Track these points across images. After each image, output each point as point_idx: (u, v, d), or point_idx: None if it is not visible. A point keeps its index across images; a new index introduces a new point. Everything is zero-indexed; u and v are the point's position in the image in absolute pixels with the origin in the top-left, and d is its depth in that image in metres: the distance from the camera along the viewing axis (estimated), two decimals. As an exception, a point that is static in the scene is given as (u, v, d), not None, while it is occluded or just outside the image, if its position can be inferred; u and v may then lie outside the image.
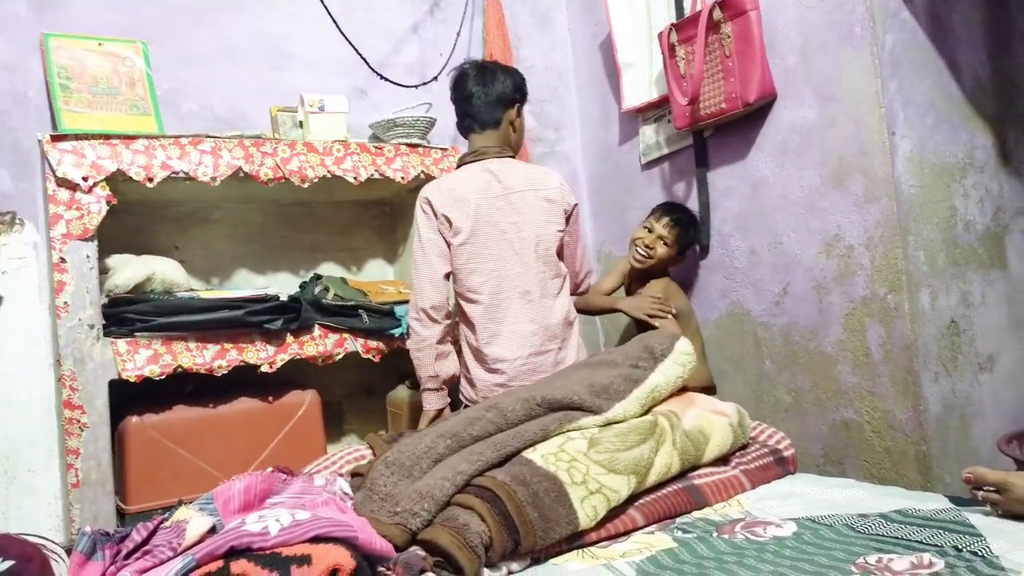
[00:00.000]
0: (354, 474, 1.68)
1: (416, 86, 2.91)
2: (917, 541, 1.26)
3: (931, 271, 2.12)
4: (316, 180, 2.38)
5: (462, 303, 2.23)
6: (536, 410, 1.64)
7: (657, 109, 2.86)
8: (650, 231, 2.54)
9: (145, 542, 1.22)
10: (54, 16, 2.38)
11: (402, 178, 2.52)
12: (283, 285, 2.67)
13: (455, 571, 1.26)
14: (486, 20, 3.05)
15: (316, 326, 2.38)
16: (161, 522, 1.28)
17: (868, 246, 2.15)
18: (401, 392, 2.68)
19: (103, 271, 2.20)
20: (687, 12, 2.60)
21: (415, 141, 2.63)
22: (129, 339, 2.12)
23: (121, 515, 2.12)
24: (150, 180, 2.15)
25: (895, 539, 1.29)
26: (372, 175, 2.47)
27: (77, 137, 2.09)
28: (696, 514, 1.57)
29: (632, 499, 1.54)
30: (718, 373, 2.60)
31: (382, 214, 2.96)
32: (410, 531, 1.35)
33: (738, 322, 2.56)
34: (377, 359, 2.49)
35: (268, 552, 1.11)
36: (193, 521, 1.22)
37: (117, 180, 2.13)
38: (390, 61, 2.93)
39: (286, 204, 2.76)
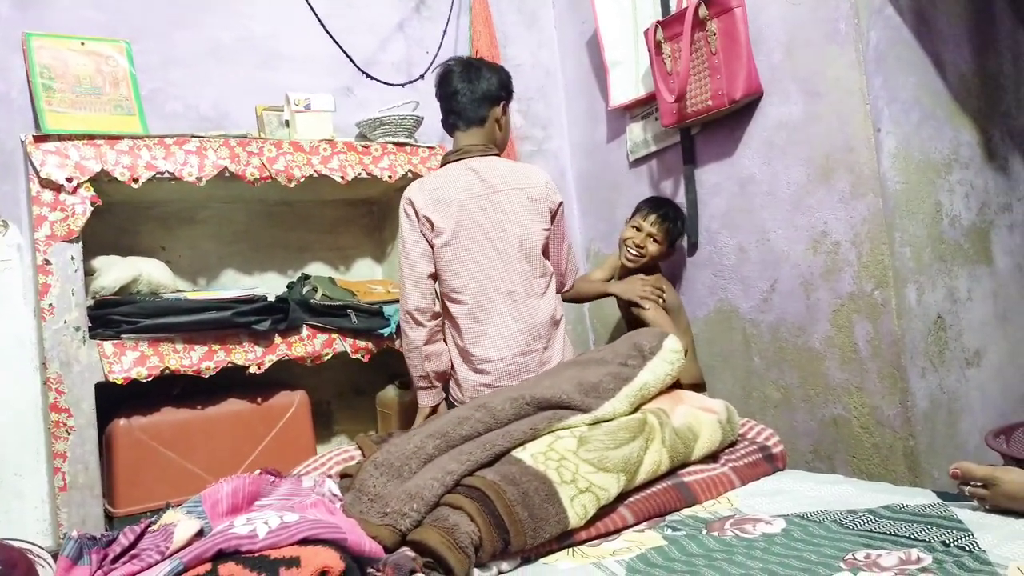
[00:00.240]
0: (343, 475, 1.67)
1: (403, 84, 2.90)
2: (905, 537, 1.27)
3: (917, 267, 2.13)
4: (303, 179, 2.37)
5: (447, 303, 2.21)
6: (525, 409, 1.64)
7: (644, 107, 2.86)
8: (639, 230, 2.54)
9: (132, 546, 1.21)
10: (37, 15, 2.36)
11: (389, 177, 2.52)
12: (271, 285, 2.66)
13: (445, 571, 1.26)
14: (473, 18, 3.04)
15: (304, 326, 2.38)
16: (148, 525, 1.27)
17: (855, 242, 2.15)
18: (391, 392, 2.67)
19: (88, 273, 2.19)
20: (673, 9, 2.60)
21: (402, 140, 2.62)
22: (116, 341, 2.10)
23: (109, 518, 2.11)
24: (135, 180, 2.14)
25: (883, 535, 1.29)
26: (359, 174, 2.47)
27: (60, 138, 2.08)
28: (686, 512, 1.57)
29: (622, 497, 1.54)
30: (707, 370, 2.61)
31: (370, 213, 2.95)
32: (400, 532, 1.34)
33: (726, 319, 2.57)
34: (366, 359, 2.49)
35: (256, 555, 1.10)
36: (181, 524, 1.21)
37: (101, 181, 2.12)
38: (376, 59, 2.92)
39: (273, 204, 2.75)
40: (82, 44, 2.31)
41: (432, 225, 2.15)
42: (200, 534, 1.21)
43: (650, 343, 1.87)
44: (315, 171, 2.39)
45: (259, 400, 2.32)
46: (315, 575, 1.08)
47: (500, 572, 1.36)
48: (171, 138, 2.21)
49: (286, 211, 2.79)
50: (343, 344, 2.42)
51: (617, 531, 1.50)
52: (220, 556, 1.10)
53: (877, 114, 2.10)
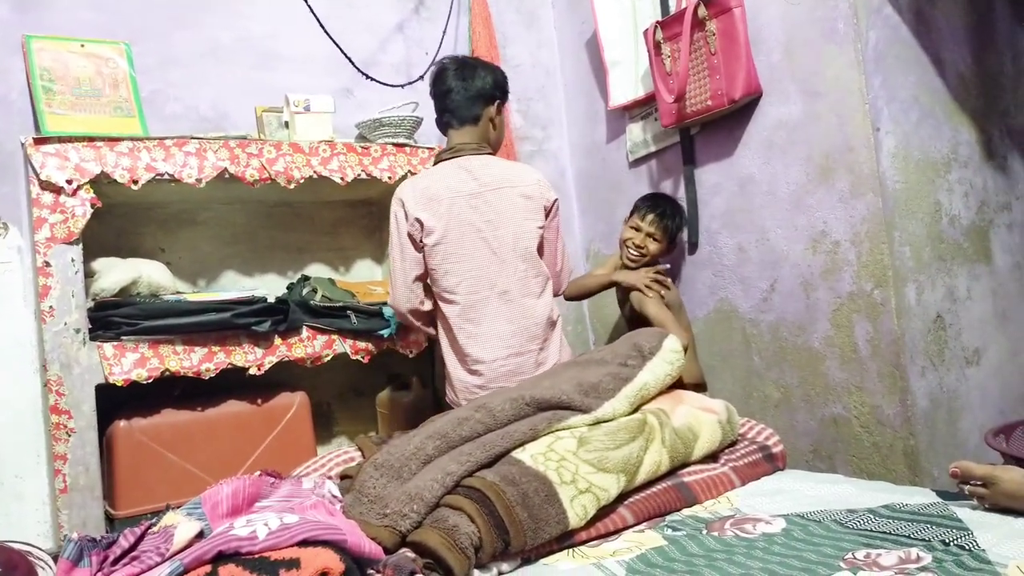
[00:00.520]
0: (343, 476, 1.67)
1: (402, 85, 2.90)
2: (905, 536, 1.27)
3: (917, 266, 2.13)
4: (302, 181, 2.37)
5: (440, 303, 2.20)
6: (525, 410, 1.64)
7: (644, 107, 2.86)
8: (638, 230, 2.54)
9: (133, 548, 1.22)
10: (37, 17, 2.36)
11: (389, 178, 2.52)
12: (270, 287, 2.66)
13: (445, 572, 1.26)
14: (472, 18, 3.04)
15: (304, 328, 2.38)
16: (149, 527, 1.27)
17: (854, 242, 2.15)
18: (391, 393, 2.67)
19: (88, 275, 2.19)
20: (672, 9, 2.60)
21: (402, 141, 2.62)
22: (116, 343, 2.10)
23: (110, 520, 2.11)
24: (135, 182, 2.14)
25: (883, 534, 1.29)
26: (359, 175, 2.47)
27: (60, 140, 2.08)
28: (686, 512, 1.57)
29: (622, 498, 1.54)
30: (707, 369, 2.61)
31: (369, 214, 2.95)
32: (399, 533, 1.35)
33: (726, 319, 2.57)
34: (366, 360, 2.48)
35: (256, 556, 1.10)
36: (181, 526, 1.22)
37: (101, 182, 2.12)
38: (376, 60, 2.92)
39: (272, 205, 2.75)
40: (82, 46, 2.31)
41: (422, 226, 2.14)
42: (200, 536, 1.21)
43: (650, 343, 1.87)
44: (315, 172, 2.39)
45: (259, 401, 2.32)
46: (315, 576, 1.08)
47: (500, 573, 1.36)
48: (171, 140, 2.21)
49: (286, 212, 2.79)
50: (343, 345, 2.42)
51: (617, 531, 1.50)
52: (220, 558, 1.11)
53: (876, 113, 2.10)
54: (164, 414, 2.19)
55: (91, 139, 2.11)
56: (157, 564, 1.14)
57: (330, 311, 2.42)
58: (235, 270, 2.70)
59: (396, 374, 2.68)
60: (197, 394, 2.27)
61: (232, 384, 2.31)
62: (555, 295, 2.31)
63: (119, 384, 2.08)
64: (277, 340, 2.31)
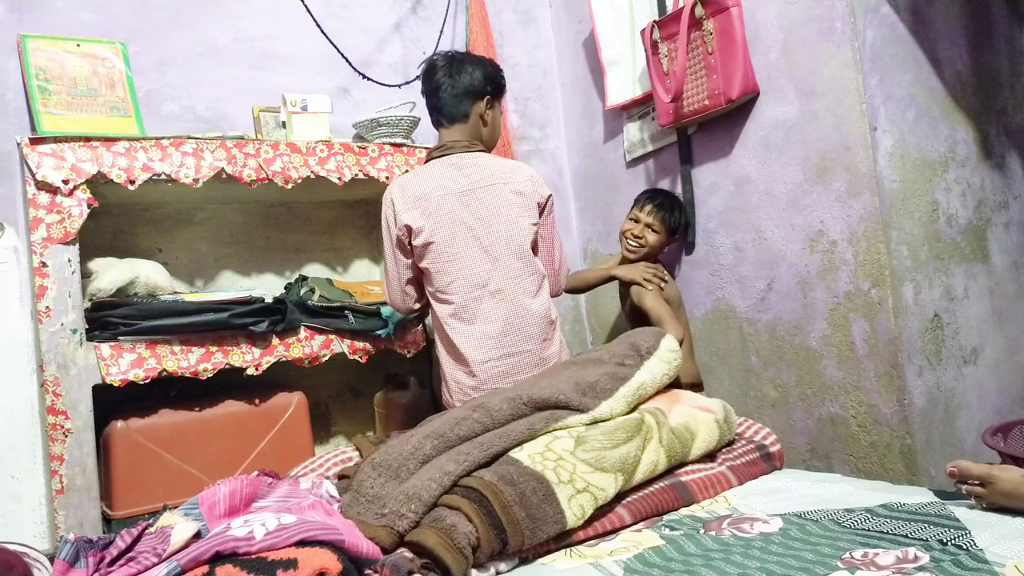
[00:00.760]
0: (341, 476, 1.67)
1: (399, 85, 2.90)
2: (902, 535, 1.27)
3: (914, 265, 2.14)
4: (300, 181, 2.37)
5: (434, 303, 2.17)
6: (522, 409, 1.64)
7: (641, 106, 2.86)
8: (637, 221, 2.54)
9: (129, 548, 1.21)
10: (33, 17, 2.35)
11: (387, 178, 2.51)
12: (268, 287, 2.66)
13: (442, 572, 1.26)
14: (469, 18, 3.04)
15: (302, 328, 2.37)
16: (146, 528, 1.27)
17: (851, 241, 2.16)
18: (389, 393, 2.67)
19: (85, 275, 2.18)
20: (669, 9, 2.60)
21: (399, 140, 2.62)
22: (113, 343, 2.10)
23: (107, 521, 2.11)
24: (132, 182, 2.14)
25: (881, 533, 1.29)
26: (356, 175, 2.46)
27: (57, 140, 2.07)
28: (683, 511, 1.57)
29: (619, 497, 1.54)
30: (704, 369, 2.61)
31: (367, 214, 2.94)
32: (397, 533, 1.34)
33: (724, 318, 2.57)
34: (364, 360, 2.48)
35: (254, 557, 1.10)
36: (178, 526, 1.21)
37: (98, 183, 2.11)
38: (373, 60, 2.92)
39: (269, 205, 2.75)
40: (78, 46, 2.31)
41: (411, 230, 2.11)
42: (197, 536, 1.21)
43: (647, 343, 1.87)
44: (312, 172, 2.39)
45: (257, 402, 2.32)
46: (312, 576, 1.07)
47: (498, 572, 1.36)
48: (168, 140, 2.21)
49: (283, 212, 2.79)
50: (341, 345, 2.42)
51: (615, 531, 1.50)
52: (217, 558, 1.10)
53: (873, 112, 2.11)
54: (161, 414, 2.18)
55: (87, 139, 2.11)
56: (154, 565, 1.14)
57: (328, 311, 2.42)
58: (232, 270, 2.70)
59: (394, 374, 2.68)
60: (194, 394, 2.27)
61: (230, 384, 2.31)
62: (553, 295, 2.26)
63: (116, 384, 2.07)
64: (275, 340, 2.31)
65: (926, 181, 2.20)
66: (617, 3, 2.86)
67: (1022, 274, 2.44)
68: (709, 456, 1.76)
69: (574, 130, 3.28)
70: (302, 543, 1.13)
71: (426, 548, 1.28)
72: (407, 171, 2.55)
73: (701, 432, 1.72)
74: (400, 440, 1.60)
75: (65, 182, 2.05)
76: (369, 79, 2.82)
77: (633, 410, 1.73)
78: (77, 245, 2.09)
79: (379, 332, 2.46)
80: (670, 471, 1.66)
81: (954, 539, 1.21)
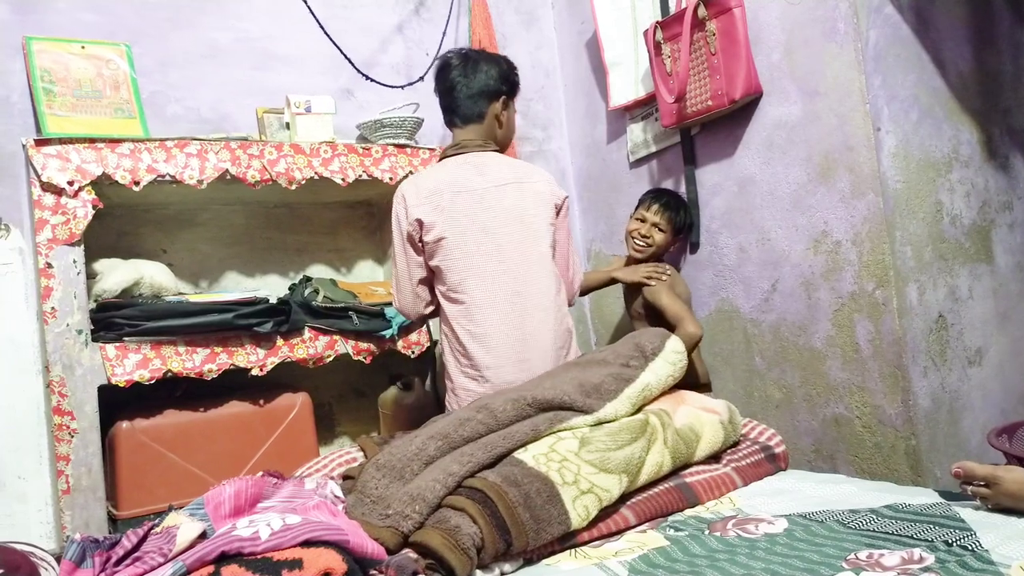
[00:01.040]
0: (346, 477, 1.67)
1: (403, 86, 2.90)
2: (908, 536, 1.27)
3: (918, 266, 2.13)
4: (303, 182, 2.37)
5: (443, 301, 2.09)
6: (527, 410, 1.64)
7: (644, 107, 2.86)
8: (643, 221, 2.54)
9: (135, 548, 1.22)
10: (37, 19, 2.36)
11: (390, 179, 2.52)
12: (272, 287, 2.66)
13: (447, 573, 1.26)
14: (472, 19, 3.04)
15: (306, 328, 2.38)
16: (151, 528, 1.27)
17: (855, 242, 2.15)
18: (392, 393, 2.67)
19: (90, 276, 2.19)
20: (672, 10, 2.60)
21: (402, 141, 2.62)
22: (118, 344, 2.11)
23: (113, 521, 2.11)
24: (136, 183, 2.14)
25: (886, 534, 1.29)
26: (360, 176, 2.47)
27: (62, 141, 2.08)
28: (688, 512, 1.57)
29: (624, 498, 1.54)
30: (708, 370, 2.61)
31: (370, 215, 2.95)
32: (402, 534, 1.35)
33: (728, 319, 2.57)
34: (368, 361, 2.49)
35: (259, 557, 1.10)
36: (183, 527, 1.22)
37: (102, 184, 2.12)
38: (376, 61, 2.92)
39: (273, 206, 2.75)
40: (82, 48, 2.31)
41: (422, 225, 2.05)
42: (203, 536, 1.21)
43: (652, 344, 1.87)
44: (316, 173, 2.39)
45: (261, 402, 2.32)
46: (317, 577, 1.08)
47: (502, 573, 1.36)
48: (172, 141, 2.21)
49: (287, 213, 2.79)
50: (345, 346, 2.42)
51: (619, 532, 1.50)
52: (223, 558, 1.11)
53: (876, 113, 2.10)
54: (166, 415, 2.19)
55: (92, 140, 2.11)
56: (160, 565, 1.14)
57: (332, 312, 2.42)
58: (237, 271, 2.70)
59: (398, 375, 2.68)
60: (199, 395, 2.28)
61: (234, 385, 2.32)
62: (568, 303, 2.19)
63: (121, 385, 2.08)
64: (279, 341, 2.32)
65: (930, 182, 2.20)
66: (620, 4, 2.86)
67: (1026, 274, 2.44)
68: (714, 457, 1.75)
69: (577, 131, 3.29)
70: (307, 543, 1.13)
71: (430, 549, 1.28)
72: (411, 172, 2.55)
73: (706, 433, 1.72)
74: (404, 441, 1.61)
75: (70, 183, 2.06)
76: (372, 80, 2.82)
77: (638, 411, 1.73)
78: (82, 246, 2.10)
79: (383, 333, 2.46)
80: (675, 472, 1.66)
81: (959, 540, 1.21)
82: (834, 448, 2.26)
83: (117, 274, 2.19)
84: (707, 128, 2.58)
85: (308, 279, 2.63)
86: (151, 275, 2.24)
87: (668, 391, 1.86)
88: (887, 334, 2.10)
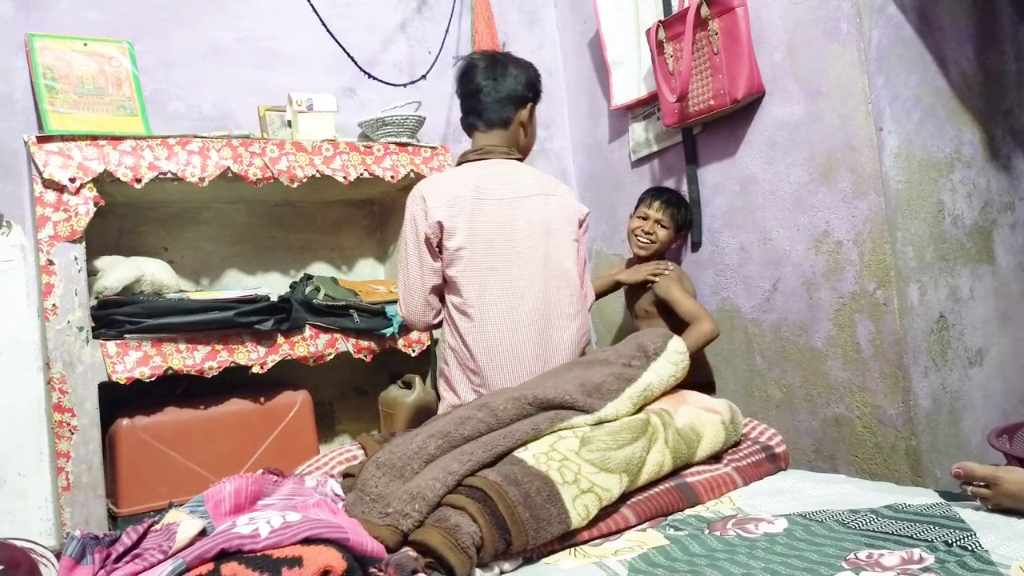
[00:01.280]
0: (346, 475, 1.67)
1: (405, 84, 2.91)
2: (908, 536, 1.26)
3: (919, 266, 2.13)
4: (305, 180, 2.37)
5: (454, 314, 1.97)
6: (527, 409, 1.63)
7: (646, 106, 2.86)
8: (645, 219, 2.55)
9: (135, 545, 1.22)
10: (40, 16, 2.36)
11: (392, 177, 2.52)
12: (273, 285, 2.67)
13: (446, 572, 1.26)
14: (474, 18, 3.04)
15: (307, 326, 2.38)
16: (151, 525, 1.27)
17: (857, 242, 2.15)
18: (393, 392, 2.67)
19: (92, 273, 2.19)
20: (675, 9, 2.60)
21: (404, 140, 2.62)
22: (119, 341, 2.11)
23: (113, 518, 2.12)
24: (138, 181, 2.14)
25: (886, 534, 1.29)
26: (361, 174, 2.47)
27: (64, 138, 2.08)
28: (688, 511, 1.57)
29: (624, 498, 1.54)
30: (711, 369, 2.61)
31: (371, 213, 2.95)
32: (401, 532, 1.34)
33: (729, 319, 2.57)
34: (368, 359, 2.49)
35: (259, 554, 1.10)
36: (183, 524, 1.22)
37: (104, 181, 2.12)
38: (379, 59, 2.92)
39: (275, 204, 2.75)
40: (85, 45, 2.31)
41: (443, 228, 1.93)
42: (203, 534, 1.21)
43: (654, 344, 1.87)
44: (317, 171, 2.39)
45: (262, 400, 2.32)
46: (317, 574, 1.08)
47: (502, 572, 1.36)
48: (174, 138, 2.22)
49: (288, 211, 2.79)
50: (346, 344, 2.42)
51: (619, 531, 1.50)
52: (222, 556, 1.11)
53: (879, 113, 2.10)
54: (167, 412, 2.19)
55: (94, 138, 2.12)
56: (159, 562, 1.14)
57: (333, 310, 2.43)
58: (238, 269, 2.70)
59: (399, 373, 2.68)
60: (200, 392, 2.28)
61: (235, 382, 2.32)
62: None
63: (122, 382, 2.08)
64: (280, 339, 2.32)
65: (932, 182, 2.19)
66: (622, 3, 2.85)
67: (1028, 275, 2.44)
68: (715, 457, 1.75)
69: (579, 130, 3.28)
70: (307, 541, 1.13)
71: (430, 547, 1.28)
72: (412, 170, 2.55)
73: (707, 433, 1.72)
74: (404, 439, 1.60)
75: (72, 180, 2.06)
76: (374, 78, 2.82)
77: (639, 411, 1.73)
78: (83, 243, 2.10)
79: (384, 331, 2.46)
80: (675, 472, 1.66)
81: (959, 540, 1.21)
82: (834, 448, 2.26)
83: (118, 271, 2.19)
84: (709, 127, 2.58)
85: (309, 277, 2.64)
86: (152, 272, 2.25)
87: (670, 391, 1.86)
88: (888, 334, 2.09)
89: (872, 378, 2.14)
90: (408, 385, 2.61)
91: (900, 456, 2.10)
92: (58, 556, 1.23)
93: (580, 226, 2.09)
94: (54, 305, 2.05)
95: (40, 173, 2.04)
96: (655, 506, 1.56)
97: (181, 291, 2.34)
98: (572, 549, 1.43)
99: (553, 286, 1.98)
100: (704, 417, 1.76)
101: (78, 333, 2.07)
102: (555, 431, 1.59)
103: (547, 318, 1.97)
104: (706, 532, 1.42)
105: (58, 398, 2.04)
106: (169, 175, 2.19)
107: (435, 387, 2.72)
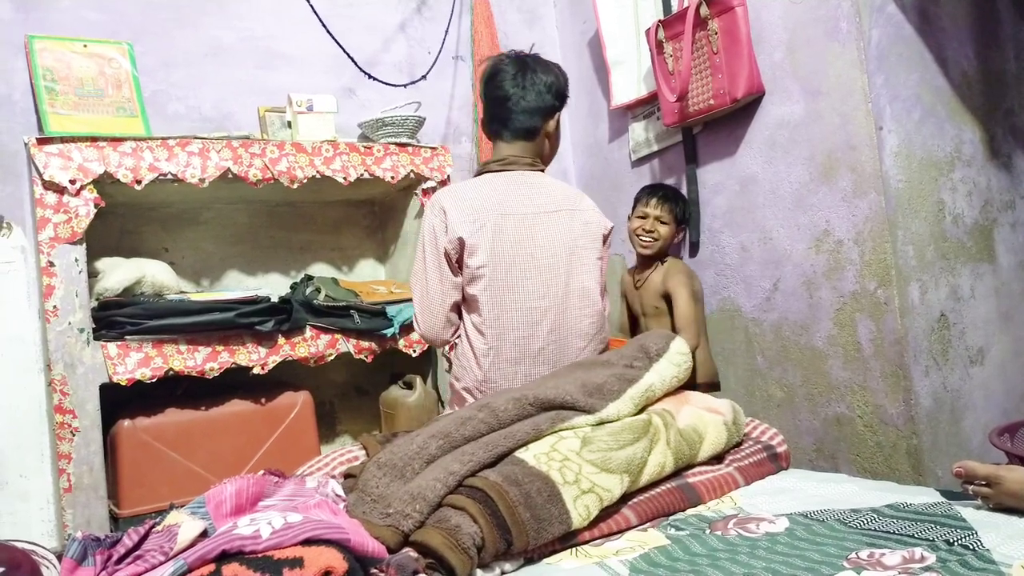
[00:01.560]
0: (347, 475, 1.67)
1: (405, 85, 2.91)
2: (909, 535, 1.26)
3: (920, 265, 2.13)
4: (305, 180, 2.37)
5: (471, 332, 1.91)
6: (528, 410, 1.63)
7: (646, 106, 2.86)
8: (644, 217, 2.55)
9: (136, 547, 1.22)
10: (39, 18, 2.36)
11: (392, 177, 2.52)
12: (274, 286, 2.67)
13: (447, 572, 1.26)
14: (474, 18, 3.04)
15: (308, 327, 2.38)
16: (152, 526, 1.27)
17: (857, 241, 2.15)
18: (394, 392, 2.67)
19: (92, 274, 2.19)
20: (674, 9, 2.60)
21: (404, 140, 2.62)
22: (120, 342, 2.11)
23: (114, 519, 2.12)
24: (138, 182, 2.14)
25: (887, 534, 1.29)
26: (361, 175, 2.47)
27: (64, 140, 2.08)
28: (689, 511, 1.57)
29: (626, 498, 1.54)
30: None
31: (372, 213, 2.95)
32: (402, 533, 1.34)
33: (729, 318, 2.57)
34: (369, 359, 2.49)
35: (260, 555, 1.10)
36: (184, 525, 1.22)
37: (104, 182, 2.12)
38: (378, 60, 2.92)
39: (275, 204, 2.75)
40: (84, 46, 2.31)
41: (463, 243, 1.86)
42: (204, 535, 1.21)
43: (656, 345, 1.86)
44: (317, 172, 2.39)
45: (263, 401, 2.32)
46: (318, 575, 1.08)
47: (503, 572, 1.36)
48: (174, 140, 2.22)
49: (288, 212, 2.79)
50: (346, 344, 2.42)
51: (621, 531, 1.50)
52: (224, 557, 1.11)
53: (879, 112, 2.10)
54: (168, 413, 2.19)
55: (94, 139, 2.12)
56: (161, 563, 1.14)
57: (333, 310, 2.42)
58: (238, 269, 2.70)
59: (400, 373, 2.68)
60: (201, 393, 2.28)
61: (236, 383, 2.32)
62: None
63: (123, 384, 2.08)
64: (281, 339, 2.32)
65: (932, 181, 2.19)
66: (622, 2, 2.86)
67: (1029, 274, 2.43)
68: (716, 457, 1.75)
69: (579, 130, 3.28)
70: (308, 542, 1.13)
71: (431, 548, 1.28)
72: (412, 170, 2.55)
73: (709, 434, 1.72)
74: (406, 440, 1.60)
75: (72, 182, 2.06)
76: (374, 79, 2.82)
77: (641, 412, 1.73)
78: (84, 245, 2.10)
79: (385, 331, 2.46)
80: (677, 473, 1.65)
81: (960, 539, 1.21)
82: (836, 447, 2.25)
83: (119, 273, 2.19)
84: (709, 127, 2.58)
85: (310, 278, 2.64)
86: (153, 274, 2.25)
87: (673, 391, 1.85)
88: (889, 333, 2.09)
89: (873, 377, 2.14)
90: (409, 385, 2.61)
91: (901, 455, 2.10)
92: (59, 558, 1.23)
93: (604, 242, 2.03)
94: (55, 307, 2.05)
95: (40, 175, 2.04)
96: (657, 507, 1.56)
97: (182, 292, 2.34)
98: (573, 549, 1.43)
99: (573, 306, 1.93)
100: (706, 418, 1.76)
101: (79, 335, 2.07)
102: (556, 431, 1.59)
103: (564, 338, 1.93)
104: (707, 532, 1.42)
105: (59, 399, 2.04)
106: (169, 176, 2.19)
107: (435, 387, 2.72)
